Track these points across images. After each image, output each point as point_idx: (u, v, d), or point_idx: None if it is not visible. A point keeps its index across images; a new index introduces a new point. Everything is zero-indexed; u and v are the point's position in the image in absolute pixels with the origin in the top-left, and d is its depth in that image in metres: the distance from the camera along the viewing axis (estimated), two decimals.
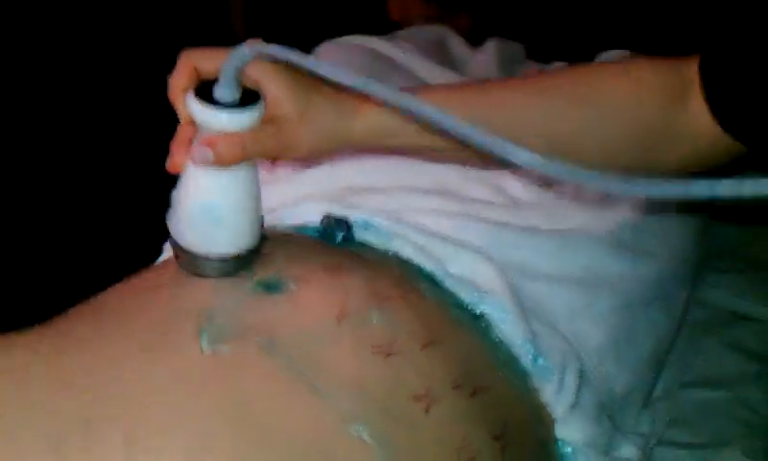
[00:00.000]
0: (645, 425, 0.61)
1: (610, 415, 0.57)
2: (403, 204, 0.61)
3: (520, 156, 0.35)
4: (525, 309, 0.55)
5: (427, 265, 0.55)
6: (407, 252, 0.56)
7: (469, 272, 0.55)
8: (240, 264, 0.48)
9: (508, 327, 0.53)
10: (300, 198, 0.62)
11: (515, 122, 0.50)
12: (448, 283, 0.54)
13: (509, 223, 0.61)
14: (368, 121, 0.50)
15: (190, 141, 0.46)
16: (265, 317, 0.45)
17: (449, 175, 0.65)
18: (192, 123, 0.46)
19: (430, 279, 0.55)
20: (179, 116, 0.48)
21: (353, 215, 0.58)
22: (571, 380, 0.53)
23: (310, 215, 0.59)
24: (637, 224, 0.63)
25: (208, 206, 0.46)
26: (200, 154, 0.44)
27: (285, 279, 0.48)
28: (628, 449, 0.56)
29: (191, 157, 0.45)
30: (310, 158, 0.55)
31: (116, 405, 0.38)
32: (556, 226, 0.62)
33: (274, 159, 0.62)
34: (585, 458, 0.53)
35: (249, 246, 0.48)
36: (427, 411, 0.44)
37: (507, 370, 0.52)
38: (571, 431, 0.53)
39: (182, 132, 0.47)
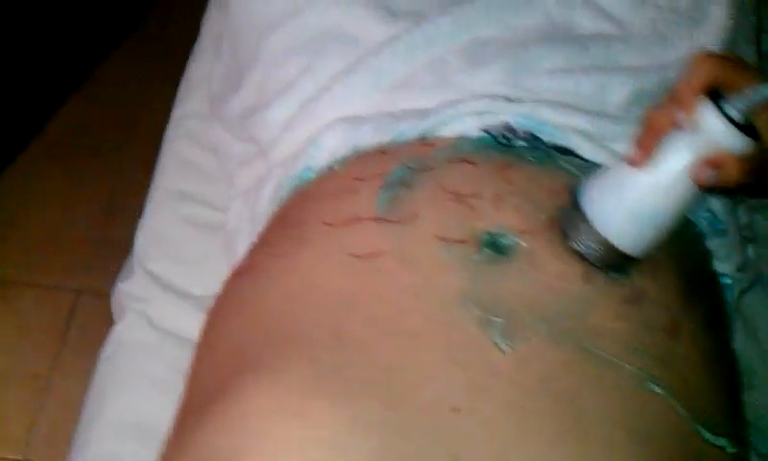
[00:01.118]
0: (742, 213, 0.68)
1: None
2: (531, 67, 0.58)
3: None
4: None
5: (602, 157, 0.54)
6: (584, 148, 0.54)
7: None
8: (631, 267, 0.48)
9: None
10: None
11: None
12: None
13: (629, 63, 0.59)
14: None
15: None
16: (522, 292, 0.46)
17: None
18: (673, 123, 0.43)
19: None
20: (674, 111, 0.43)
21: (513, 116, 0.55)
22: (731, 227, 0.59)
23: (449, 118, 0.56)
24: None
25: (657, 211, 0.45)
26: (707, 174, 0.42)
27: (509, 235, 0.48)
28: (750, 251, 0.64)
29: (696, 176, 0.43)
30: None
31: (452, 438, 0.40)
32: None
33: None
34: (736, 282, 0.61)
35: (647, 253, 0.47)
36: (677, 339, 0.48)
37: (690, 240, 0.56)
38: (727, 265, 0.59)
39: (656, 128, 0.43)
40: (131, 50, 1.67)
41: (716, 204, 0.57)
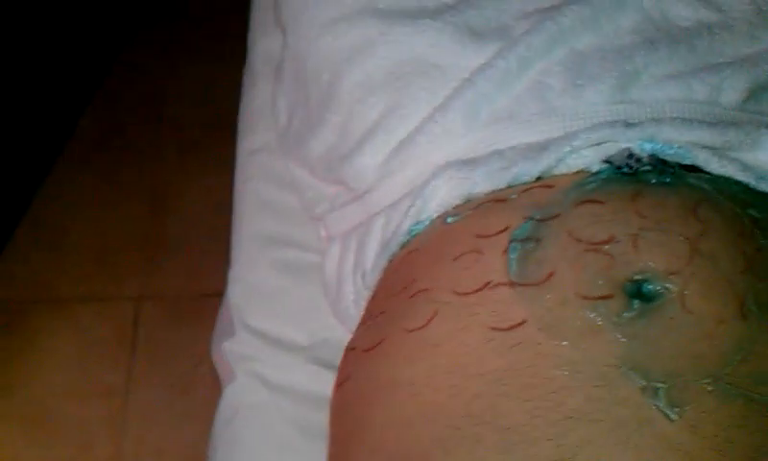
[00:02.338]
0: None
1: None
2: (638, 77, 0.54)
3: None
4: None
5: (731, 170, 0.51)
6: (712, 163, 0.51)
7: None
8: None
9: None
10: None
11: None
12: (765, 186, 0.51)
13: (737, 54, 0.56)
14: None
15: None
16: (681, 346, 0.43)
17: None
18: None
19: (744, 191, 0.51)
20: None
21: (634, 141, 0.52)
22: None
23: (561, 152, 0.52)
24: None
25: None
26: None
27: (654, 280, 0.45)
28: None
29: None
30: None
31: None
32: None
33: None
34: None
35: None
36: None
37: None
38: None
39: None
40: (146, 39, 1.63)
41: None
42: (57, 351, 1.33)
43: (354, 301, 0.61)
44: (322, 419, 0.58)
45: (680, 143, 0.51)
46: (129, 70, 1.57)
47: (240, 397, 0.65)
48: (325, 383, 0.59)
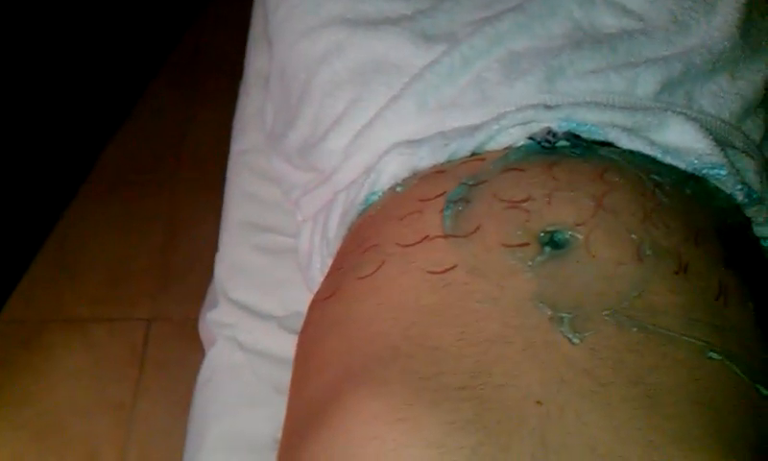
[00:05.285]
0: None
1: None
2: (563, 72, 0.62)
3: None
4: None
5: (639, 145, 0.59)
6: (622, 139, 0.59)
7: (678, 138, 0.59)
8: None
9: (723, 179, 0.60)
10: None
11: None
12: (670, 159, 0.59)
13: (654, 55, 0.63)
14: None
15: None
16: (584, 283, 0.50)
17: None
18: None
19: (651, 162, 0.58)
20: None
21: (554, 121, 0.60)
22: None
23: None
24: None
25: None
26: None
27: (563, 231, 0.52)
28: None
29: None
30: None
31: (539, 427, 0.44)
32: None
33: None
34: None
35: None
36: (727, 304, 0.51)
37: (729, 211, 0.60)
38: (766, 229, 0.64)
39: None
40: (168, 81, 1.75)
41: (750, 176, 0.61)
42: (70, 367, 1.40)
43: (320, 269, 0.69)
44: None
45: (593, 123, 0.59)
46: (151, 109, 1.69)
47: (219, 359, 0.73)
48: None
